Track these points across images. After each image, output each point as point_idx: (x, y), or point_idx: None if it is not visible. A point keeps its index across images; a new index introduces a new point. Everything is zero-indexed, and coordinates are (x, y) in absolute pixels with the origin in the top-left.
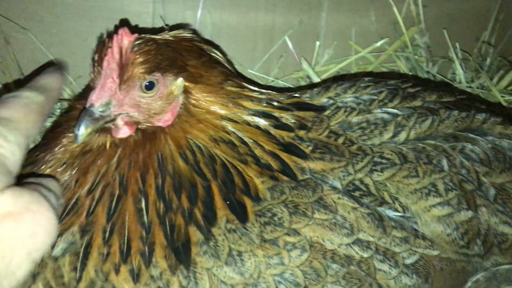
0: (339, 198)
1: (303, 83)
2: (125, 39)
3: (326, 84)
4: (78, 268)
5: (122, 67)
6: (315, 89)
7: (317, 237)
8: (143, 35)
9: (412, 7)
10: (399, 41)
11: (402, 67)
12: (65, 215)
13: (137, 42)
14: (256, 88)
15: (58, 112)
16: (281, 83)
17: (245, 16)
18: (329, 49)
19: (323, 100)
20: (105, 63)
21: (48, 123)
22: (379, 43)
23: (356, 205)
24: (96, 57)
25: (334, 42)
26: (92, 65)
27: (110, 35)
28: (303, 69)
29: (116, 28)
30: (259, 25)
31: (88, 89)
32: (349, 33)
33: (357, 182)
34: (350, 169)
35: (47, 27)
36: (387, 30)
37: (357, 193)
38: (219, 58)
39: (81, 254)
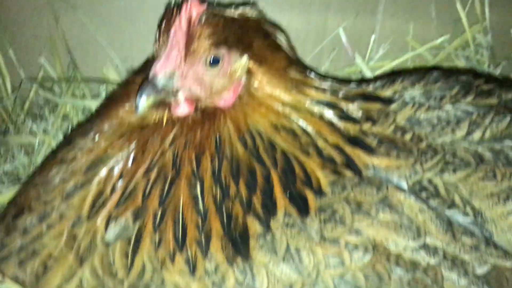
0: (405, 198)
1: (355, 78)
2: (194, 9)
3: (391, 76)
4: (130, 254)
5: (189, 39)
6: (379, 82)
7: (381, 238)
8: (211, 7)
9: (476, 4)
10: (460, 39)
11: (462, 67)
12: (122, 200)
13: (205, 14)
14: (318, 77)
15: (103, 94)
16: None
17: (300, 3)
18: (384, 45)
19: (388, 93)
20: (172, 33)
21: (93, 105)
22: (438, 40)
23: (424, 207)
24: (162, 26)
25: (390, 37)
26: (158, 34)
27: (179, 4)
28: (356, 64)
29: None
30: (313, 15)
31: (146, 65)
32: (406, 29)
33: (425, 182)
34: (417, 168)
35: (96, 8)
36: (447, 27)
37: (424, 194)
38: (283, 42)
39: (132, 240)
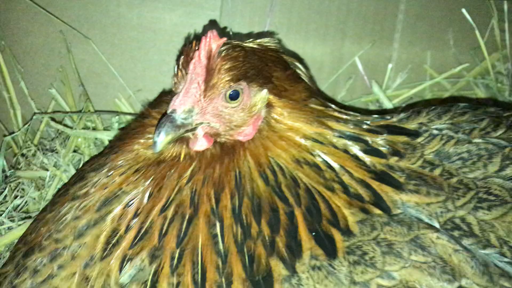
0: (438, 237)
1: (372, 108)
2: (214, 42)
3: (416, 108)
4: None
5: (208, 73)
6: (402, 113)
7: (414, 282)
8: (230, 40)
9: (496, 31)
10: (479, 67)
11: (481, 95)
12: (138, 240)
13: (225, 47)
14: (340, 109)
15: (116, 125)
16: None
17: (314, 32)
18: (402, 73)
19: (414, 125)
20: (191, 67)
21: (105, 136)
22: (457, 69)
23: (458, 247)
24: (181, 60)
25: (408, 65)
26: (176, 68)
27: (198, 37)
28: (374, 93)
29: (205, 29)
30: (328, 44)
31: (161, 97)
32: (424, 57)
33: (457, 220)
34: (449, 205)
35: (110, 37)
36: (465, 55)
37: (456, 233)
38: (302, 73)
39: (149, 283)
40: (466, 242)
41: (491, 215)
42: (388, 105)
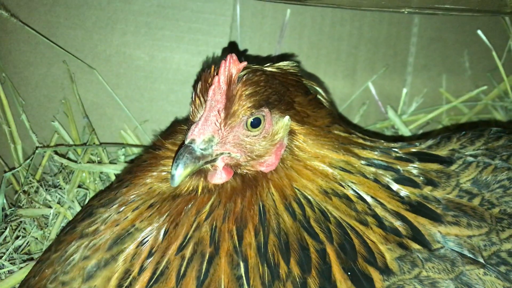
0: (485, 273)
1: (388, 133)
2: (233, 67)
3: (445, 134)
4: None
5: (229, 99)
6: (431, 140)
7: None
8: (250, 64)
9: None
10: (497, 90)
11: (501, 119)
12: (153, 282)
13: (245, 72)
14: (364, 136)
15: (122, 158)
16: None
17: (325, 58)
18: (417, 97)
19: (445, 152)
20: (210, 93)
21: (111, 170)
22: (475, 92)
23: (508, 284)
24: (199, 86)
25: (423, 90)
26: (194, 95)
27: (217, 62)
28: (389, 118)
29: (224, 52)
30: (340, 69)
31: (173, 127)
32: (439, 80)
33: (503, 254)
34: (493, 238)
35: (115, 67)
36: (482, 77)
37: (503, 268)
38: (323, 98)
39: None
40: None
41: None
42: (404, 130)
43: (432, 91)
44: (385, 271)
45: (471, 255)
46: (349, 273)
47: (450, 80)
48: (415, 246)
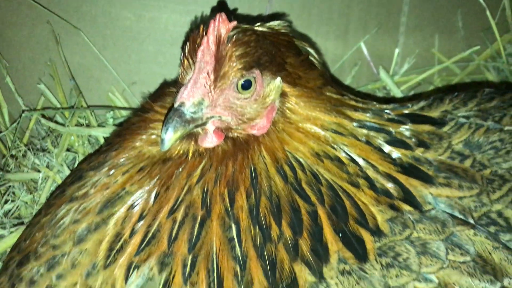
0: (475, 234)
1: (380, 95)
2: (223, 27)
3: (438, 95)
4: None
5: (219, 60)
6: (423, 101)
7: (454, 284)
8: (239, 24)
9: (507, 12)
10: (490, 50)
11: (492, 79)
12: (144, 245)
13: (234, 32)
14: (356, 97)
15: (111, 121)
16: None
17: (317, 17)
18: (409, 58)
19: (437, 113)
20: (199, 55)
21: (100, 133)
22: (467, 52)
23: (497, 244)
24: (187, 47)
25: (415, 50)
26: (182, 57)
27: (205, 22)
28: (381, 79)
29: (213, 11)
30: (332, 29)
31: (163, 89)
32: (432, 41)
33: (493, 215)
34: (484, 199)
35: (101, 28)
36: (475, 37)
37: (492, 228)
38: (315, 59)
39: None
40: (504, 238)
41: None
42: (396, 91)
43: (424, 52)
44: (376, 232)
45: (461, 216)
46: (340, 235)
47: (443, 40)
48: (406, 207)
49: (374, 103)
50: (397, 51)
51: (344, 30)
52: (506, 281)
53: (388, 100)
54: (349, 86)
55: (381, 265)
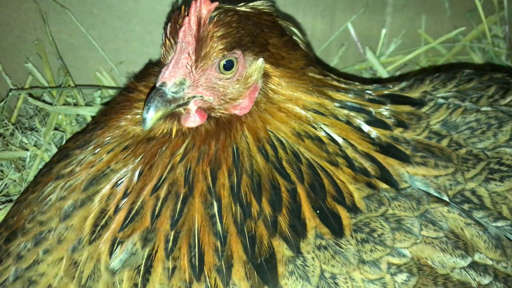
0: (449, 211)
1: (366, 75)
2: (204, 7)
3: (418, 76)
4: (139, 285)
5: (200, 41)
6: (404, 82)
7: (426, 258)
8: (221, 4)
9: None
10: (476, 31)
11: (478, 60)
12: (128, 221)
13: (216, 12)
14: (339, 78)
15: (98, 100)
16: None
17: None
18: (396, 39)
19: (418, 94)
20: (180, 35)
21: (87, 112)
22: (453, 33)
23: (470, 221)
24: (169, 28)
25: (402, 31)
26: (164, 37)
27: (187, 2)
28: (367, 60)
29: None
30: (319, 10)
31: (148, 69)
32: (418, 21)
33: (467, 193)
34: (459, 177)
35: (88, 7)
36: (461, 18)
37: (466, 206)
38: (299, 39)
39: (142, 268)
40: (477, 215)
41: (504, 186)
42: (382, 72)
43: (411, 32)
44: (353, 209)
45: (436, 194)
46: (318, 211)
47: (429, 21)
48: (383, 185)
49: (357, 83)
50: (384, 31)
51: (331, 10)
52: (476, 256)
53: (375, 80)
54: (334, 68)
55: (356, 240)
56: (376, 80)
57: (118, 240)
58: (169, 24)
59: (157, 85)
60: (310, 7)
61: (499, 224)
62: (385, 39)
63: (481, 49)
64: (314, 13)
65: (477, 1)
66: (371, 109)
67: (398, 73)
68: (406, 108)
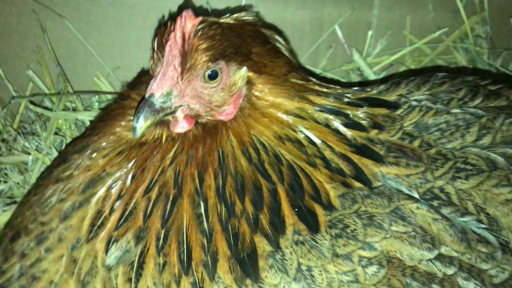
0: (417, 208)
1: (353, 76)
2: (189, 22)
3: (395, 80)
4: (133, 279)
5: (185, 54)
6: (382, 85)
7: (395, 251)
8: (206, 18)
9: None
10: (458, 31)
11: (461, 59)
12: (122, 221)
13: (200, 26)
14: (320, 82)
15: (96, 105)
16: (329, 76)
17: (293, 2)
18: (382, 40)
19: (393, 97)
20: (167, 49)
21: (86, 117)
22: (437, 33)
23: (437, 216)
24: (156, 42)
25: (388, 32)
26: (152, 51)
27: (173, 18)
28: (354, 61)
29: (180, 9)
30: (307, 13)
31: (140, 77)
32: (403, 23)
33: (436, 190)
34: (428, 176)
35: (84, 15)
36: (445, 19)
37: (435, 202)
38: (282, 47)
39: (135, 264)
40: (445, 211)
41: (469, 184)
42: (368, 72)
43: (396, 33)
44: (328, 207)
45: (407, 192)
46: (296, 209)
47: (414, 22)
48: (357, 184)
49: (337, 87)
50: (370, 33)
51: (319, 12)
52: (443, 249)
53: (361, 83)
54: (314, 72)
55: (331, 235)
56: (363, 83)
57: (113, 238)
58: (156, 38)
59: (146, 96)
60: (299, 10)
61: (465, 219)
62: (372, 40)
63: (464, 49)
64: (303, 16)
65: (459, 2)
66: (349, 112)
67: (384, 73)
68: (382, 110)
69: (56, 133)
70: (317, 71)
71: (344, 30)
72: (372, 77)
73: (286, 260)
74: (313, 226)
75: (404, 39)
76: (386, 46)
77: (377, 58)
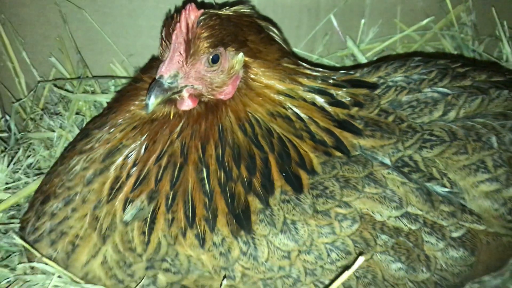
0: (388, 173)
1: (347, 61)
2: (192, 14)
3: (377, 63)
4: (146, 232)
5: (189, 42)
6: (365, 68)
7: (367, 209)
8: (207, 10)
9: None
10: (445, 19)
11: (448, 46)
12: (137, 185)
13: (202, 17)
14: (310, 66)
15: (112, 88)
16: (325, 62)
17: None
18: (374, 27)
19: (374, 79)
20: (173, 37)
21: (103, 99)
22: (424, 22)
23: (405, 180)
24: (164, 32)
25: (379, 20)
26: (161, 39)
27: (178, 10)
28: (348, 48)
29: (184, 3)
30: (304, 3)
31: (152, 62)
32: (394, 11)
33: (406, 159)
34: (399, 146)
35: (100, 7)
36: (433, 8)
37: (406, 169)
38: (276, 36)
39: (148, 220)
40: (414, 176)
41: (433, 152)
42: (361, 58)
43: (387, 21)
44: (311, 172)
45: (381, 160)
46: (284, 174)
47: (404, 11)
48: (338, 153)
49: (325, 71)
50: (363, 21)
51: (315, 4)
52: (409, 208)
53: (354, 68)
54: (307, 59)
55: (312, 195)
56: (355, 66)
57: (129, 199)
58: (164, 28)
59: (156, 77)
60: (297, 1)
61: (430, 182)
62: (364, 28)
63: (450, 36)
64: (300, 7)
65: None
66: (333, 91)
67: (375, 58)
68: (363, 91)
69: (77, 113)
70: (314, 57)
71: (339, 19)
72: (364, 62)
73: (274, 215)
74: (297, 187)
75: (395, 27)
76: (378, 34)
77: (369, 44)
